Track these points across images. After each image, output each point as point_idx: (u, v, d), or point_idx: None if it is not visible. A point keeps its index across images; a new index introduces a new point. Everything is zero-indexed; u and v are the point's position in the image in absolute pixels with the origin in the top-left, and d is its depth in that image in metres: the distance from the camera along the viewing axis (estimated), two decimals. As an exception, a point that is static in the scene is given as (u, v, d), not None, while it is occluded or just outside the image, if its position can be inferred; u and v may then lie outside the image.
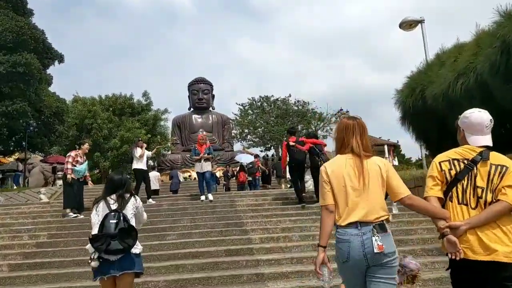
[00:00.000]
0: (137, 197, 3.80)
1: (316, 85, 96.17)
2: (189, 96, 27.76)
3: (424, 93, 10.28)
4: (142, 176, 9.61)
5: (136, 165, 9.57)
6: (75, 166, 8.39)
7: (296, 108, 41.37)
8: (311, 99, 67.55)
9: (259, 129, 40.96)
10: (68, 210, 8.36)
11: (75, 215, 8.35)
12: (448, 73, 9.62)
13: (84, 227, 7.73)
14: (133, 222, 3.59)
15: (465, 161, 2.38)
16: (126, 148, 28.20)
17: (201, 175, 9.81)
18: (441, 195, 2.42)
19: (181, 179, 14.55)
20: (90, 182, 8.89)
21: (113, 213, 3.51)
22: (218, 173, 17.18)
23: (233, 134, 35.38)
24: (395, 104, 11.41)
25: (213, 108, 28.53)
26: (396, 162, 44.62)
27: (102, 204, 3.62)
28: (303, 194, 9.37)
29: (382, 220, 2.36)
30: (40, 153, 23.77)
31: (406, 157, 51.96)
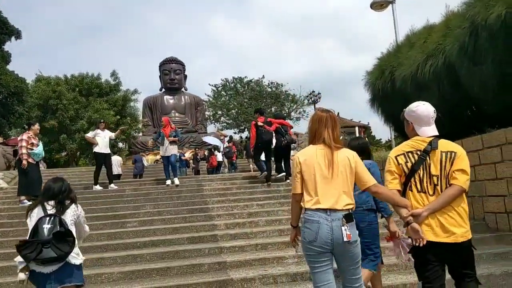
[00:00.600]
0: (79, 205, 3.41)
1: (292, 67, 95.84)
2: (160, 76, 26.96)
3: (394, 75, 10.19)
4: (102, 159, 9.14)
5: (96, 148, 9.08)
6: (32, 149, 7.83)
7: (269, 90, 41.09)
8: (287, 81, 67.42)
9: (233, 111, 40.54)
10: (23, 198, 7.84)
11: (30, 202, 7.84)
12: (417, 55, 9.52)
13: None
14: (72, 231, 3.19)
15: (418, 152, 2.57)
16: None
17: (166, 158, 9.44)
18: (400, 187, 2.59)
19: (146, 163, 14.07)
20: (43, 164, 8.34)
21: (48, 217, 3.12)
22: (188, 155, 16.76)
23: (206, 116, 34.80)
24: (364, 86, 11.31)
25: (186, 89, 27.82)
26: (367, 144, 45.34)
27: (37, 210, 3.23)
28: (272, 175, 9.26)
29: (349, 209, 2.55)
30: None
31: (376, 139, 52.90)
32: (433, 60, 8.48)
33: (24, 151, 7.73)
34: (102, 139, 9.10)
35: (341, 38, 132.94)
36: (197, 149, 17.49)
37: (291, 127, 9.81)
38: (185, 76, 27.73)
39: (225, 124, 39.93)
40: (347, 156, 2.62)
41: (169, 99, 26.54)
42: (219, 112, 39.94)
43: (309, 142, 2.73)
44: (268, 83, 41.08)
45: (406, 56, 10.06)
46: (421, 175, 2.53)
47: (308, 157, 2.62)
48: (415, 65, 9.33)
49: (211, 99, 40.09)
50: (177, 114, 26.42)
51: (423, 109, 2.62)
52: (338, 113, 46.68)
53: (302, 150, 2.75)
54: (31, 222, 3.20)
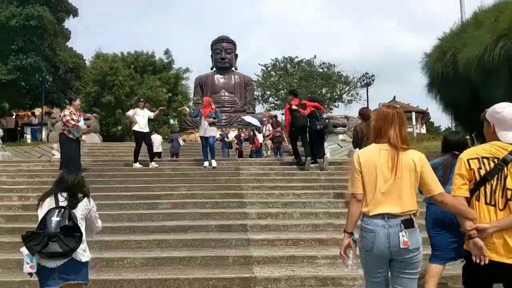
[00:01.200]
0: (91, 199, 3.24)
1: (346, 48, 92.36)
2: (211, 55, 26.96)
3: (456, 58, 9.16)
4: (141, 138, 9.12)
5: (136, 126, 9.07)
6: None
7: (321, 70, 39.84)
8: (340, 62, 65.24)
9: (282, 92, 39.89)
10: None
11: (71, 177, 8.02)
12: (486, 35, 8.45)
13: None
14: (81, 226, 3.06)
15: (495, 160, 2.29)
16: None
17: (204, 139, 9.23)
18: (468, 194, 2.34)
19: (182, 142, 14.13)
20: (99, 137, 8.44)
21: (58, 209, 2.98)
22: (232, 136, 16.56)
23: (255, 96, 34.54)
24: (422, 69, 10.34)
25: (236, 69, 27.65)
26: (424, 130, 42.96)
27: (49, 200, 3.10)
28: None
29: (410, 214, 2.38)
30: (58, 108, 23.81)
31: (435, 125, 49.92)
32: (505, 42, 7.46)
33: (72, 122, 7.78)
34: (141, 118, 9.06)
35: (400, 18, 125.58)
36: (241, 130, 17.21)
37: (324, 111, 9.76)
38: (236, 56, 27.50)
39: (273, 104, 39.47)
40: (413, 158, 2.41)
41: (219, 78, 26.53)
42: (268, 93, 39.51)
43: (372, 140, 2.55)
44: (320, 64, 39.85)
45: (472, 37, 8.98)
46: (494, 186, 2.28)
47: (370, 157, 2.45)
48: (483, 47, 8.29)
49: (260, 79, 39.67)
50: (226, 94, 26.38)
51: (509, 110, 2.31)
52: (394, 97, 44.47)
53: (364, 149, 2.58)
54: (41, 212, 3.08)
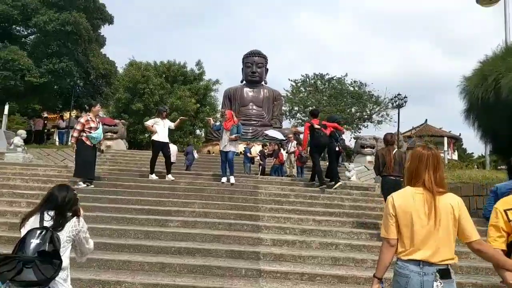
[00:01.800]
0: (81, 219, 2.86)
1: (378, 68, 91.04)
2: (242, 69, 27.13)
3: (499, 83, 8.44)
4: (160, 148, 8.85)
5: (155, 136, 8.81)
6: (90, 132, 7.76)
7: (351, 89, 39.14)
8: (371, 81, 64.27)
9: (310, 108, 39.35)
10: (78, 179, 7.82)
11: (85, 185, 7.80)
12: (535, 61, 7.75)
13: (88, 199, 7.16)
14: (66, 249, 2.69)
15: None
16: (175, 116, 28.31)
17: (223, 154, 8.87)
18: (505, 247, 2.25)
19: (196, 155, 13.91)
20: (102, 147, 8.24)
21: (40, 230, 2.60)
22: (254, 151, 16.15)
23: (282, 111, 34.21)
24: (460, 94, 9.62)
25: (266, 83, 27.61)
26: (455, 157, 41.23)
27: (34, 218, 2.74)
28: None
29: (447, 264, 2.26)
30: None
31: (467, 152, 47.91)
32: (557, 68, 6.74)
33: (75, 134, 7.67)
34: (161, 128, 8.81)
35: (436, 40, 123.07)
36: (266, 145, 16.78)
37: (344, 132, 9.70)
38: (267, 70, 27.54)
39: (300, 120, 38.98)
40: (451, 203, 2.31)
41: (248, 92, 26.56)
42: (296, 108, 39.07)
43: (406, 183, 2.45)
44: (351, 82, 39.19)
45: (519, 61, 8.28)
46: None
47: (404, 201, 2.35)
48: (530, 73, 7.59)
49: (289, 95, 39.33)
50: (254, 107, 26.32)
51: None
52: (426, 120, 43.04)
53: (398, 192, 2.45)
54: (24, 232, 2.70)
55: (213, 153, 19.68)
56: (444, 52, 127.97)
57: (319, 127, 8.52)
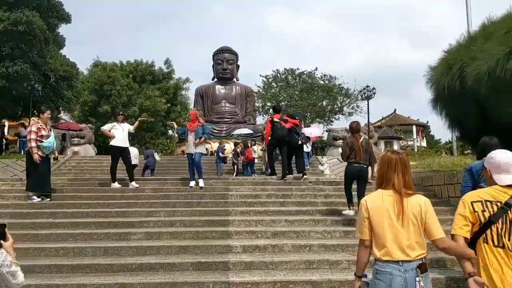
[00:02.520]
0: (3, 252, 2.45)
1: (347, 61, 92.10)
2: (213, 66, 26.69)
3: (464, 72, 8.43)
4: (118, 153, 8.35)
5: (113, 141, 8.30)
6: (42, 141, 7.20)
7: (322, 82, 39.31)
8: (341, 75, 64.98)
9: (282, 103, 39.36)
10: (31, 193, 7.24)
11: (39, 199, 7.24)
12: (497, 48, 7.75)
13: (43, 215, 6.63)
14: None
15: (498, 204, 2.40)
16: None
17: (190, 156, 8.48)
18: (468, 235, 2.41)
19: (158, 158, 13.52)
20: (55, 155, 7.69)
21: None
22: (229, 149, 15.76)
23: (255, 107, 33.97)
24: (426, 83, 9.59)
25: (237, 79, 27.25)
26: (424, 144, 42.22)
27: None
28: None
29: (422, 258, 2.42)
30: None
31: (435, 138, 49.21)
32: (520, 55, 6.73)
33: (33, 144, 7.10)
34: (120, 132, 8.31)
35: (402, 32, 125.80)
36: (239, 143, 16.36)
37: (301, 126, 10.62)
38: (238, 66, 27.19)
39: (273, 116, 38.85)
40: (419, 203, 2.48)
41: (220, 89, 26.19)
42: (269, 104, 38.94)
43: (376, 186, 2.62)
44: (321, 76, 39.39)
45: (482, 49, 8.26)
46: (499, 228, 2.37)
47: (376, 203, 2.51)
48: (493, 61, 7.60)
49: (261, 90, 39.09)
50: (227, 104, 26.05)
51: (502, 156, 2.53)
52: (395, 110, 43.83)
53: (370, 195, 2.63)
54: None
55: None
56: (412, 45, 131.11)
57: (277, 120, 8.98)
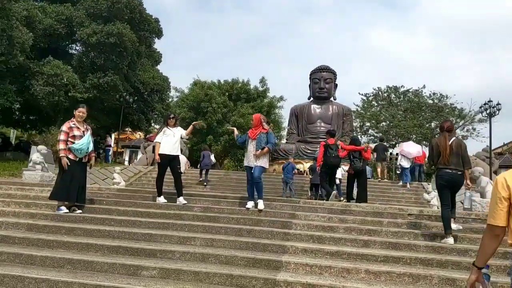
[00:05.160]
0: None
1: (460, 80, 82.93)
2: (310, 85, 25.58)
3: None
4: (166, 163, 6.95)
5: (160, 148, 6.90)
6: (73, 142, 6.10)
7: (430, 101, 34.87)
8: (454, 93, 58.32)
9: (383, 123, 35.91)
10: (60, 203, 6.14)
11: (66, 210, 6.11)
12: None
13: (60, 231, 5.40)
14: None
15: None
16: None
17: (249, 170, 6.72)
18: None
19: (214, 160, 13.00)
20: (91, 161, 6.46)
21: None
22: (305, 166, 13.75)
23: (352, 128, 31.45)
24: None
25: (335, 99, 25.51)
26: None
27: None
28: None
29: None
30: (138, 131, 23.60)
31: None
32: None
33: (61, 146, 6.02)
34: (170, 138, 6.90)
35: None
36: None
37: (368, 151, 9.63)
38: (336, 85, 25.60)
39: (372, 137, 35.53)
40: None
41: (316, 108, 24.90)
42: (368, 124, 35.73)
43: None
44: (429, 94, 35.01)
45: None
46: None
47: None
48: None
49: (359, 109, 36.15)
50: (322, 124, 24.56)
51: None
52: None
53: (509, 171, 2.07)
54: None
55: (273, 170, 17.75)
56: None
57: (332, 145, 8.81)
